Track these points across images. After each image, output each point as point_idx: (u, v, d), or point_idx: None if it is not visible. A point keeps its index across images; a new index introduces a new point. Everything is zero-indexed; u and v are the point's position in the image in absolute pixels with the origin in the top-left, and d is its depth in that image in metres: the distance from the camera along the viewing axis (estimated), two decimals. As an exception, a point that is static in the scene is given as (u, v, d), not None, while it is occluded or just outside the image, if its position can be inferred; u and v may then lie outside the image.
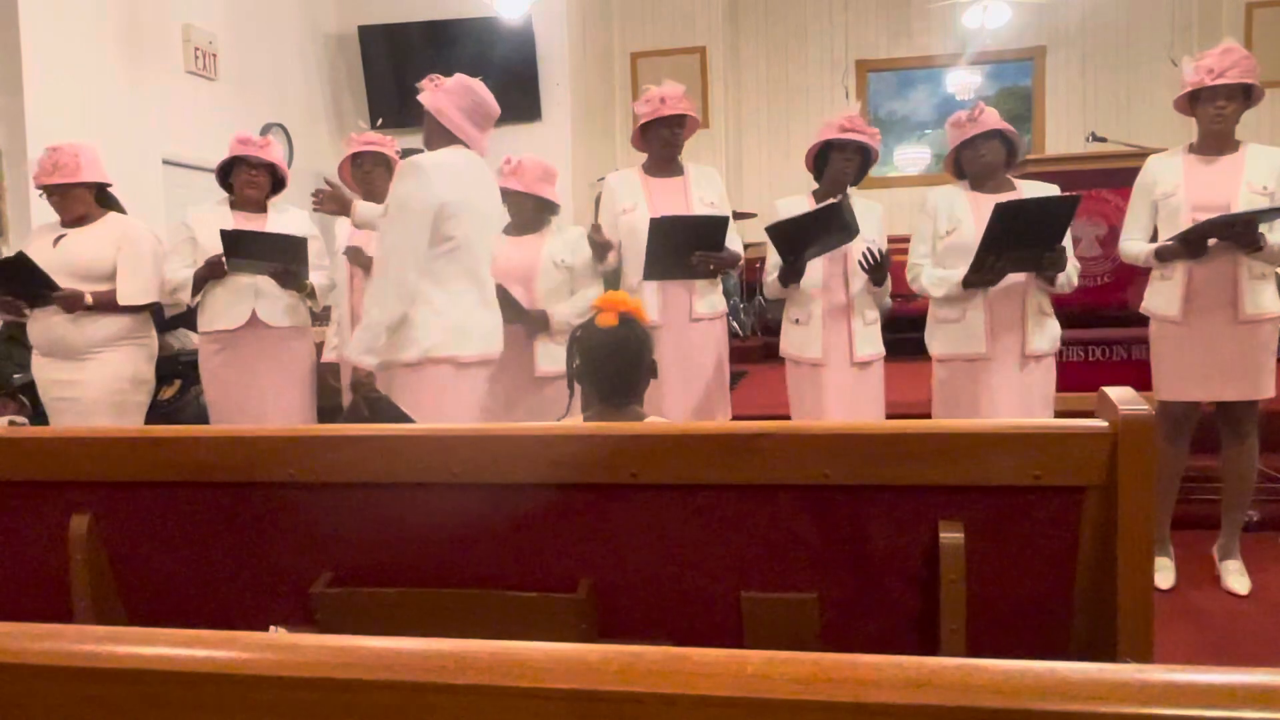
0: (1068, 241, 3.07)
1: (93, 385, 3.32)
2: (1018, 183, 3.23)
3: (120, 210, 3.56)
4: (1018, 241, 2.97)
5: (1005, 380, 3.12)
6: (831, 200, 3.10)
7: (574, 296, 3.38)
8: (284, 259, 3.30)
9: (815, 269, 3.29)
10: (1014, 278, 3.07)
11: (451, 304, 2.77)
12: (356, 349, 2.69)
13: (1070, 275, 3.09)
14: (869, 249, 3.15)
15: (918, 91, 8.90)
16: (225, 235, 3.25)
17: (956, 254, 3.13)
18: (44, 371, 3.39)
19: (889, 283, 3.32)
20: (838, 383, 3.30)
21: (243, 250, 3.27)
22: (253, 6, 6.51)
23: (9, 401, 3.82)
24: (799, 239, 3.18)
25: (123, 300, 3.32)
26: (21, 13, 4.66)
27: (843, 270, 3.26)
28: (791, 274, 3.27)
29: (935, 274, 3.19)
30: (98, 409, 3.30)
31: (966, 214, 3.15)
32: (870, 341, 3.33)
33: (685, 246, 3.30)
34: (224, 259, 3.29)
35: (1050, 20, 8.34)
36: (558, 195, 3.48)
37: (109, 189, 3.52)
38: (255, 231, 3.34)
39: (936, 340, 3.26)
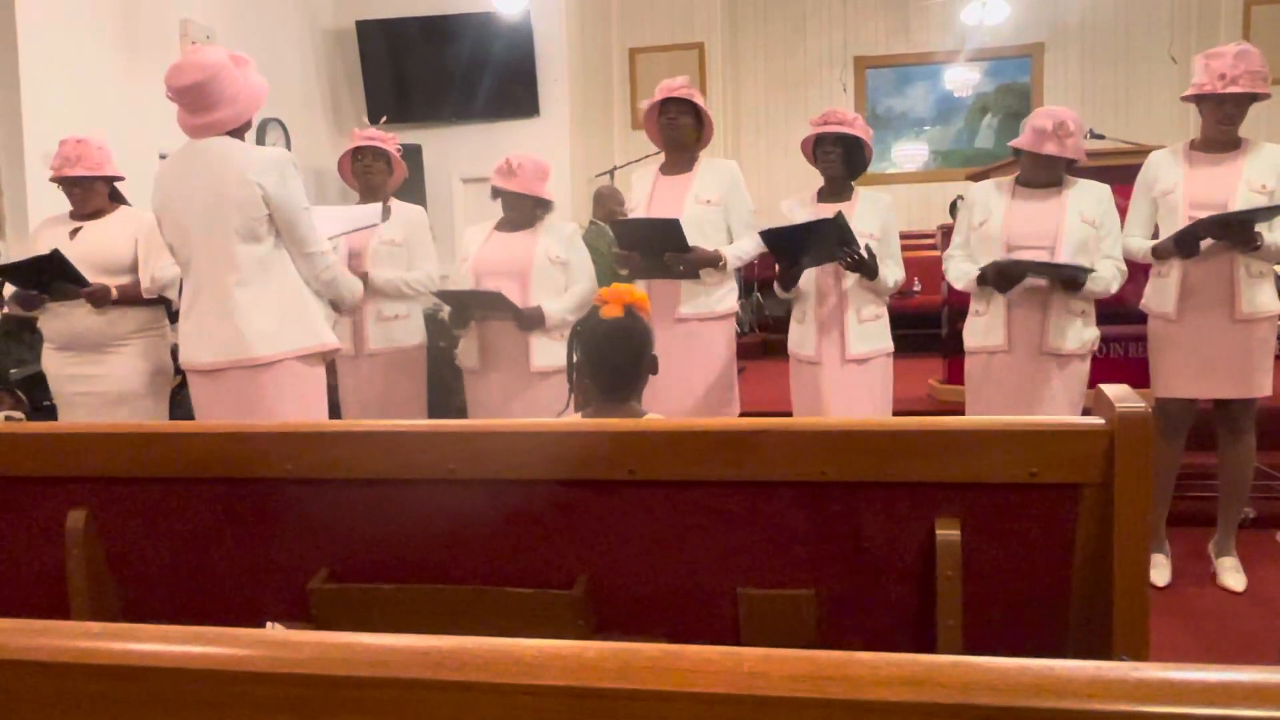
0: (1116, 250, 3.11)
1: (117, 378, 3.31)
2: (1071, 180, 3.17)
3: (126, 204, 3.55)
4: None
5: (1022, 376, 3.12)
6: (824, 217, 3.10)
7: (568, 293, 3.37)
8: None
9: (809, 269, 3.31)
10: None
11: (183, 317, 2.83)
12: None
13: (1104, 283, 3.07)
14: (848, 251, 3.14)
15: (916, 88, 8.90)
16: None
17: (984, 245, 3.17)
18: (58, 366, 3.37)
19: (894, 277, 3.30)
20: (832, 380, 3.31)
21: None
22: (251, 1, 6.50)
23: (5, 396, 3.81)
24: (793, 246, 3.19)
25: (149, 293, 3.34)
26: (18, 6, 4.65)
27: (834, 269, 3.26)
28: (786, 279, 3.29)
29: (961, 267, 3.24)
30: (124, 401, 3.30)
31: (998, 207, 3.17)
32: (866, 338, 3.30)
33: (652, 248, 3.29)
34: None
35: (1049, 17, 8.34)
36: (551, 193, 3.49)
37: (118, 183, 3.51)
38: None
39: (968, 332, 3.28)
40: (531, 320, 3.28)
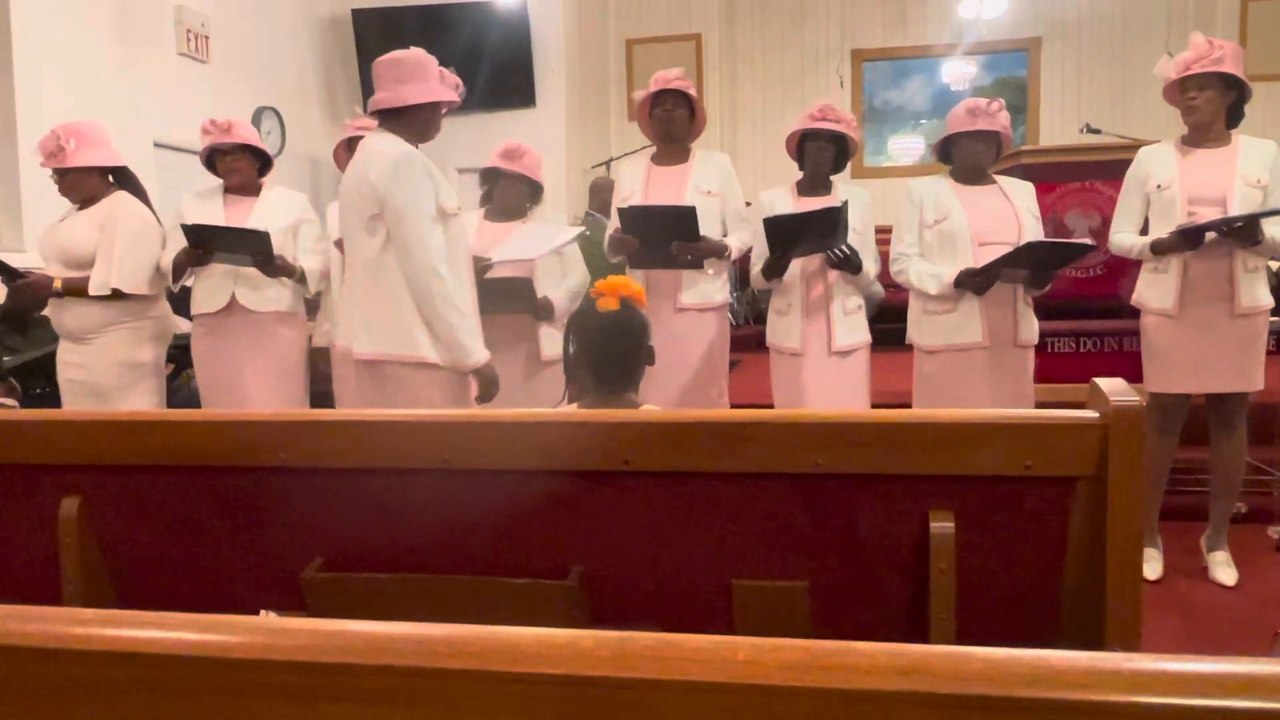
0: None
1: (88, 369, 3.30)
2: (997, 179, 3.26)
3: (139, 188, 3.46)
4: (1030, 267, 3.08)
5: (995, 370, 3.14)
6: (833, 205, 3.13)
7: (564, 283, 3.41)
8: (247, 250, 3.26)
9: (794, 261, 3.31)
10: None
11: None
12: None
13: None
14: (837, 246, 3.18)
15: (913, 81, 8.89)
16: (187, 230, 3.23)
17: (947, 242, 3.16)
18: (60, 353, 3.39)
19: (873, 271, 3.33)
20: (816, 372, 3.33)
21: (205, 243, 3.24)
22: (245, -11, 6.48)
23: (-1, 384, 3.80)
24: (793, 236, 3.19)
25: (93, 290, 3.21)
26: (12, -7, 4.62)
27: (820, 261, 3.28)
28: (776, 269, 3.29)
29: (926, 270, 3.20)
30: (101, 391, 3.29)
31: (954, 203, 3.17)
32: (851, 330, 3.33)
33: (659, 236, 3.29)
34: (195, 251, 3.27)
35: (1046, 11, 8.33)
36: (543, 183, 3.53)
37: (123, 169, 3.43)
38: (216, 226, 3.30)
39: (926, 332, 3.25)
40: (547, 311, 3.29)
